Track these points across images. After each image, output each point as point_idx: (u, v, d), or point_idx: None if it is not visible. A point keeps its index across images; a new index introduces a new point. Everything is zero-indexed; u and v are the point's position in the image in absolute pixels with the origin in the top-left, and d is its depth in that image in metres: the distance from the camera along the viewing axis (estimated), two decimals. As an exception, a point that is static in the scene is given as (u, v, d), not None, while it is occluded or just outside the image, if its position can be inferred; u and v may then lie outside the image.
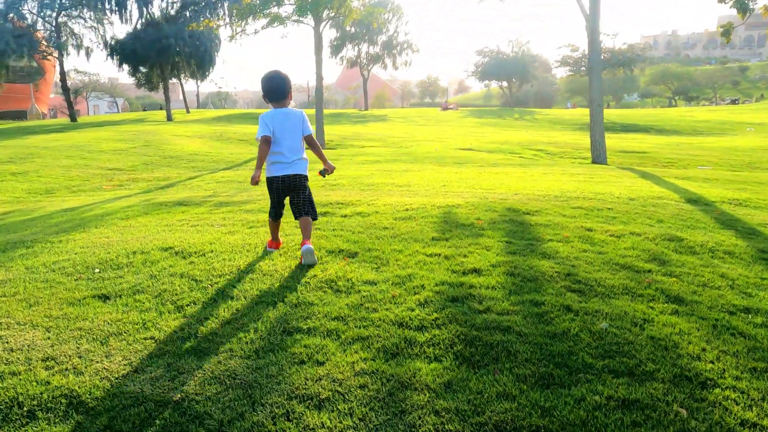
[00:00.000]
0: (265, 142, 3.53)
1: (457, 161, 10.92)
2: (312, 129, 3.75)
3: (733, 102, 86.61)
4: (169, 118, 34.21)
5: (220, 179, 8.92)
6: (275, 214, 3.77)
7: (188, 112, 45.65)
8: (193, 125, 24.26)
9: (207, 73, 37.29)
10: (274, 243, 3.87)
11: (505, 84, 67.34)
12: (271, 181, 3.67)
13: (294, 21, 15.82)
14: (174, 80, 40.82)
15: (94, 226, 5.00)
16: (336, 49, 59.99)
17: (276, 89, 3.64)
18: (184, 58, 34.08)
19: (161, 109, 39.57)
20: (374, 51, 60.47)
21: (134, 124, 29.10)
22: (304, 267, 3.35)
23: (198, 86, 67.43)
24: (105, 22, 34.68)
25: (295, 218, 3.72)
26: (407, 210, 5.13)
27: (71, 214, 5.98)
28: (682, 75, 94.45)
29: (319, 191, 6.56)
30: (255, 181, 3.46)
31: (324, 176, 3.78)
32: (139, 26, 34.06)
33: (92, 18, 34.08)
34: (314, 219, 3.72)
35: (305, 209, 3.67)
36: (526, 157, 13.26)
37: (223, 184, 8.22)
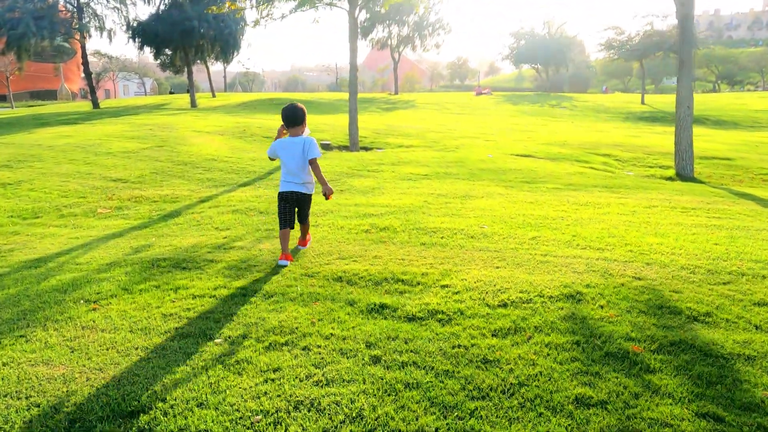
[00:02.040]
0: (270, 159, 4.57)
1: (523, 178, 9.05)
2: (318, 153, 4.41)
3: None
4: (193, 105, 32.78)
5: (237, 205, 7.23)
6: (283, 223, 4.47)
7: (214, 95, 44.20)
8: (216, 115, 22.66)
9: (231, 57, 35.66)
10: (284, 255, 4.41)
11: (540, 68, 64.35)
12: (282, 195, 4.51)
13: (326, 4, 13.97)
14: (199, 63, 39.32)
15: (41, 325, 3.37)
16: (366, 30, 57.87)
17: (292, 117, 4.39)
18: (209, 41, 32.47)
19: (188, 92, 38.19)
20: (405, 32, 58.19)
21: (155, 112, 27.69)
22: None
23: (225, 67, 66.07)
24: (128, 2, 33.18)
25: (286, 227, 4.48)
26: (506, 305, 3.37)
27: (28, 281, 4.36)
28: (726, 58, 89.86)
29: (368, 246, 4.83)
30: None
31: (327, 198, 4.46)
32: (162, 7, 32.53)
33: (115, -2, 32.61)
34: (307, 222, 4.71)
35: (302, 218, 4.64)
36: (596, 167, 11.31)
37: (241, 217, 6.54)
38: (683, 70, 10.55)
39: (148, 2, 32.70)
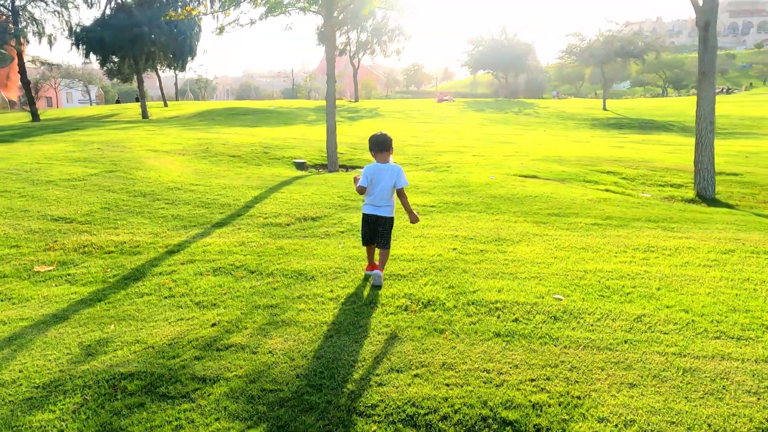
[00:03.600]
0: (361, 192, 4.66)
1: (548, 209, 7.82)
2: (406, 182, 4.68)
3: (727, 91, 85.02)
4: (145, 116, 30.55)
5: (217, 259, 5.70)
6: (365, 241, 4.77)
7: (166, 105, 41.79)
8: (172, 129, 20.76)
9: (186, 64, 33.54)
10: (371, 266, 4.84)
11: (500, 74, 64.29)
12: (363, 216, 4.76)
13: (300, 9, 12.52)
14: (149, 70, 36.94)
15: None
16: (323, 36, 56.40)
17: (381, 143, 4.59)
18: (161, 48, 30.29)
19: (137, 100, 35.66)
20: (363, 38, 57.02)
21: (103, 124, 25.47)
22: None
23: (176, 74, 63.23)
24: (70, 6, 30.68)
25: (371, 243, 4.76)
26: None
27: None
28: (673, 63, 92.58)
29: (424, 341, 3.46)
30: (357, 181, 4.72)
31: (413, 223, 4.87)
32: (108, 12, 30.18)
33: (55, 2, 30.08)
34: (387, 248, 4.71)
35: (382, 243, 4.69)
36: (611, 188, 10.22)
37: (228, 282, 5.03)
38: (705, 82, 9.60)
39: (92, 6, 30.30)
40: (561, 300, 4.18)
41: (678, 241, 6.04)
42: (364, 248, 5.05)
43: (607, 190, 9.97)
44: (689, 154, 17.15)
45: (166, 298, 4.72)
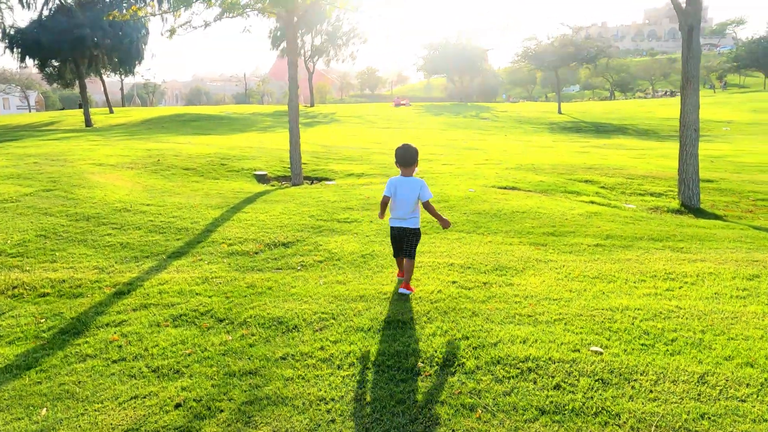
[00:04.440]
0: (384, 202, 4.78)
1: (540, 226, 7.20)
2: (430, 194, 4.70)
3: (671, 94, 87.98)
4: (88, 124, 28.76)
5: (178, 304, 4.80)
6: (395, 253, 4.92)
7: (111, 111, 39.71)
8: (119, 139, 19.38)
9: (133, 69, 31.81)
10: (401, 273, 5.04)
11: (456, 78, 64.45)
12: (391, 229, 4.85)
13: (258, 11, 11.62)
14: (93, 75, 34.96)
15: None
16: (277, 40, 55.18)
17: (407, 157, 4.66)
18: (105, 52, 28.57)
19: (80, 107, 33.61)
20: (318, 42, 56.11)
21: (42, 134, 23.74)
22: None
23: (122, 79, 60.50)
24: (3, 7, 28.61)
25: (398, 256, 4.92)
26: None
27: None
28: (620, 67, 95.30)
29: (454, 425, 2.69)
30: (381, 216, 4.93)
31: (445, 227, 4.81)
32: (45, 13, 28.26)
33: (-15, 1, 27.98)
34: (412, 258, 4.76)
35: (407, 252, 4.76)
36: (596, 200, 9.75)
37: (192, 336, 4.16)
38: (689, 88, 9.24)
39: (28, 7, 28.31)
40: (601, 354, 3.51)
41: (694, 265, 5.50)
42: (351, 284, 4.91)
43: (592, 202, 9.48)
44: (656, 159, 17.07)
45: (115, 362, 3.81)
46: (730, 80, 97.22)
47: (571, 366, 3.36)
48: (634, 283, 5.00)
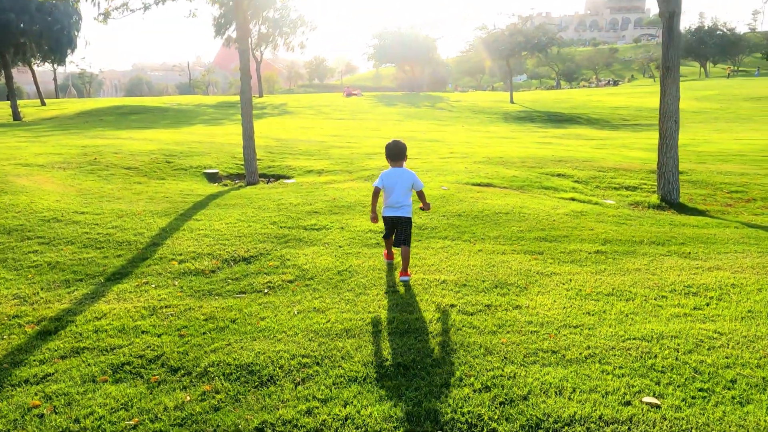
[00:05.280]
0: (376, 192, 5.04)
1: (529, 230, 6.56)
2: (422, 184, 5.07)
3: (614, 83, 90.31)
4: (16, 117, 26.57)
5: (119, 347, 3.88)
6: (386, 236, 5.18)
7: (43, 103, 37.02)
8: (51, 135, 17.75)
9: (65, 57, 29.58)
10: (389, 255, 5.36)
11: (407, 67, 63.87)
12: (385, 218, 5.09)
13: (205, -10, 10.49)
14: (22, 65, 32.40)
15: None
16: (221, 27, 53.04)
17: (397, 152, 4.99)
18: (33, 39, 26.35)
19: (8, 99, 31.12)
20: (264, 30, 54.33)
21: (-37, 129, 21.66)
22: None
23: (55, 68, 56.88)
24: None
25: (396, 246, 5.05)
26: None
27: None
28: (565, 57, 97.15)
29: None
30: (375, 220, 5.20)
31: (425, 210, 5.22)
32: (-37, -5, 25.77)
33: None
34: (408, 246, 4.95)
35: (403, 241, 4.96)
36: (576, 197, 9.23)
37: (134, 392, 3.27)
38: (669, 77, 8.80)
39: (-57, -11, 25.75)
40: (659, 408, 2.85)
41: (710, 275, 4.96)
42: (331, 312, 4.29)
43: (573, 199, 8.95)
44: (618, 150, 16.88)
45: (34, 444, 2.89)
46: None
47: (630, 430, 2.68)
48: (655, 300, 4.40)
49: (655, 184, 10.78)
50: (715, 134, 22.61)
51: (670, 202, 9.22)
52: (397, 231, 5.01)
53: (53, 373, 3.58)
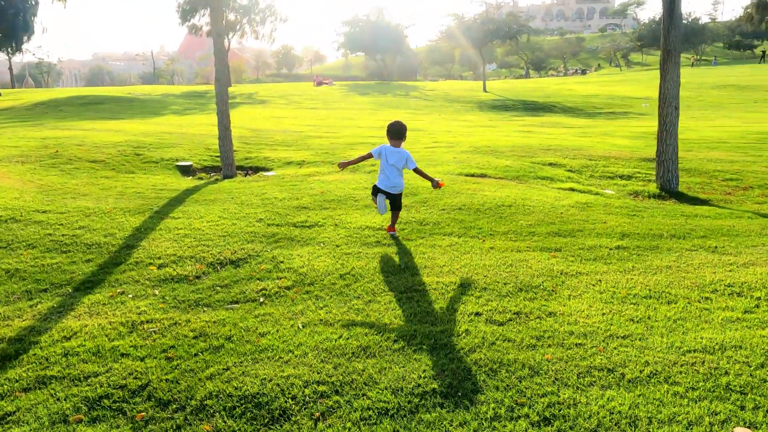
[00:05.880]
0: (367, 156, 5.58)
1: (538, 223, 6.10)
2: (415, 164, 5.50)
3: (583, 72, 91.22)
4: (-31, 108, 25.03)
5: (90, 370, 3.28)
6: (374, 191, 5.62)
7: (-2, 94, 35.14)
8: (6, 126, 16.63)
9: (21, 44, 28.02)
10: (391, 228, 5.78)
11: (378, 56, 63.05)
12: (376, 187, 5.54)
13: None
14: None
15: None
16: (185, 14, 51.32)
17: (399, 132, 5.44)
18: (-16, 24, 24.84)
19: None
20: (232, 18, 52.95)
21: None
22: None
23: (10, 58, 54.38)
24: None
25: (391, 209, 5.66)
26: None
27: None
28: (534, 46, 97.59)
29: None
30: (342, 166, 5.61)
31: (438, 186, 5.51)
32: None
33: None
34: (399, 209, 5.71)
35: (397, 207, 5.65)
36: (575, 186, 8.83)
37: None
38: (670, 61, 8.44)
39: None
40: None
41: (747, 272, 4.58)
42: (342, 324, 3.76)
43: (572, 189, 8.56)
44: (601, 138, 16.63)
45: None
46: (632, 59, 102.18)
47: (735, 473, 2.22)
48: (699, 302, 3.98)
49: (649, 172, 10.51)
50: (692, 122, 22.65)
51: (669, 191, 8.91)
52: (391, 202, 5.61)
53: (14, 412, 2.96)
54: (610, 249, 5.28)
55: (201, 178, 10.40)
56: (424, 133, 16.29)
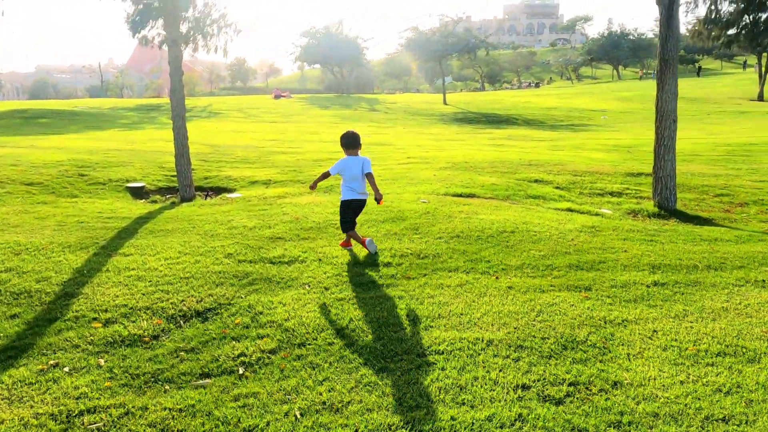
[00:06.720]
0: (326, 175, 5.46)
1: (552, 255, 5.34)
2: (371, 169, 5.38)
3: (536, 85, 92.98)
4: None
5: None
6: (347, 227, 5.47)
7: (-72, 108, 32.50)
8: (-68, 142, 14.98)
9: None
10: (364, 241, 5.38)
11: (336, 69, 62.29)
12: (347, 202, 5.44)
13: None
14: None
15: None
16: (137, 25, 49.37)
17: (352, 141, 5.41)
18: None
19: None
20: (184, 30, 51.15)
21: None
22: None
23: (-57, 70, 50.87)
24: None
25: (349, 231, 5.49)
26: None
27: None
28: (489, 60, 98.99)
29: None
30: (313, 188, 5.52)
31: (378, 203, 5.33)
32: None
33: None
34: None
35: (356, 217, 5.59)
36: (572, 207, 8.17)
37: None
38: (668, 72, 7.91)
39: None
40: None
41: (817, 313, 3.91)
42: (351, 410, 2.81)
43: (570, 210, 7.90)
44: (574, 151, 16.23)
45: None
46: (582, 72, 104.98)
47: None
48: (785, 360, 3.26)
49: (638, 188, 10.02)
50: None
51: (667, 209, 8.37)
52: (357, 214, 5.56)
53: None
54: (647, 286, 4.55)
55: (155, 201, 9.29)
56: (394, 148, 15.51)
